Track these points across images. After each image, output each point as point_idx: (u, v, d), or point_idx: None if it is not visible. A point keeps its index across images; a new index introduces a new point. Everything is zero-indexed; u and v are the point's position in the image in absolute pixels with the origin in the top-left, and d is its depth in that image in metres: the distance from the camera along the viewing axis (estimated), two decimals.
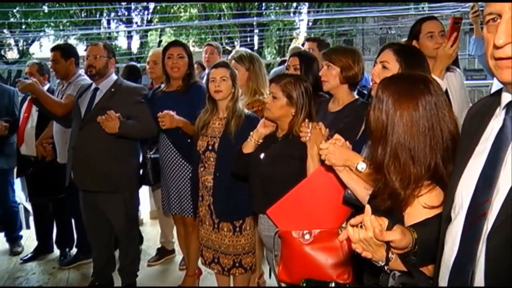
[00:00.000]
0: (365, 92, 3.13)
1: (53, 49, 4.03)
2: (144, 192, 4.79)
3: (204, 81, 3.57)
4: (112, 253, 3.76)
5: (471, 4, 3.60)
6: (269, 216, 2.36)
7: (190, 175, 3.30)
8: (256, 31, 22.45)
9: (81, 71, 3.98)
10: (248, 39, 22.05)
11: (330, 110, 2.63)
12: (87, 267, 4.14)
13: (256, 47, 21.60)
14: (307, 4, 22.42)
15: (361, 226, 1.31)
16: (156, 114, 3.23)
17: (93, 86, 3.48)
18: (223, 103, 3.03)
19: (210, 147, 3.02)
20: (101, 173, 3.35)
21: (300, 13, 23.37)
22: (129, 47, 23.43)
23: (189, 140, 3.25)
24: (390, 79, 1.64)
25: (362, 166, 1.84)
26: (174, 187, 3.44)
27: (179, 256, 4.28)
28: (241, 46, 19.31)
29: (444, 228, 1.25)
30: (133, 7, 22.61)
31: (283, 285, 2.45)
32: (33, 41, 22.73)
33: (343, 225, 2.12)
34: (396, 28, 21.43)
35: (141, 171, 3.66)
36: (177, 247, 4.27)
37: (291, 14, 22.71)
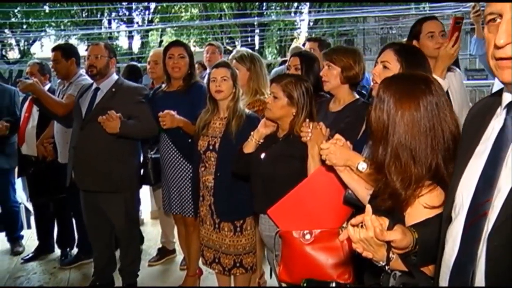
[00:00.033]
0: (364, 92, 3.13)
1: (54, 49, 4.03)
2: (145, 192, 4.80)
3: (205, 81, 3.57)
4: (113, 253, 3.77)
5: (472, 4, 3.60)
6: (270, 216, 2.36)
7: (191, 175, 3.30)
8: (257, 31, 22.45)
9: (82, 71, 3.98)
10: (249, 39, 22.03)
11: (331, 110, 2.63)
12: (88, 267, 4.15)
13: (257, 47, 21.59)
14: (308, 4, 22.42)
15: (361, 226, 1.31)
16: (157, 114, 3.23)
17: (94, 86, 3.48)
18: (224, 103, 3.03)
19: (211, 147, 3.02)
20: (102, 173, 3.36)
21: (301, 13, 23.36)
22: (130, 47, 23.44)
23: (189, 140, 3.26)
24: (391, 79, 1.63)
25: (362, 166, 1.84)
26: (175, 187, 3.44)
27: (180, 256, 4.29)
28: (242, 46, 19.30)
29: (444, 228, 1.24)
30: (134, 7, 22.61)
31: (283, 285, 2.45)
32: (34, 41, 22.75)
33: (344, 225, 2.12)
34: (397, 28, 21.42)
35: (142, 171, 3.66)
36: (178, 247, 4.27)
37: (292, 14, 22.71)
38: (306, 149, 2.30)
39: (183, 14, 23.20)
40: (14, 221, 4.75)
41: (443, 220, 1.27)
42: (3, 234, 4.83)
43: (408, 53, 2.11)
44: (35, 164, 4.20)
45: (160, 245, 4.46)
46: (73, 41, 20.59)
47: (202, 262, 3.29)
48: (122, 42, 23.87)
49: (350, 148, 1.96)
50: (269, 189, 2.51)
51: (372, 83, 2.23)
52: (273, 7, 21.87)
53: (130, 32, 22.86)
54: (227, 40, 21.22)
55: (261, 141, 2.66)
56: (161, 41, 22.64)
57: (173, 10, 22.64)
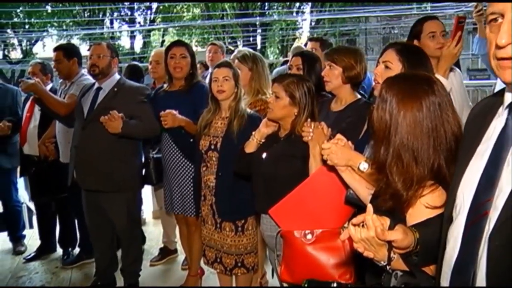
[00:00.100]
0: (362, 92, 3.13)
1: (55, 49, 4.03)
2: (147, 192, 4.80)
3: (207, 80, 3.57)
4: (114, 253, 3.77)
5: (474, 3, 3.59)
6: (271, 216, 2.36)
7: (193, 174, 3.31)
8: (259, 31, 22.43)
9: (84, 71, 3.99)
10: (251, 39, 22.03)
11: (332, 109, 2.63)
12: (89, 267, 4.15)
13: (259, 47, 21.59)
14: (310, 4, 22.41)
15: (362, 226, 1.31)
16: (159, 113, 3.24)
17: (96, 85, 3.49)
18: (225, 103, 3.03)
19: (212, 147, 3.02)
20: (103, 173, 3.36)
21: (303, 12, 23.36)
22: (132, 47, 23.45)
23: (191, 140, 3.26)
24: (394, 78, 1.63)
25: (364, 166, 1.84)
26: (176, 187, 3.45)
27: (181, 256, 4.29)
28: (244, 46, 19.29)
29: (445, 228, 1.24)
30: (136, 7, 22.60)
31: (285, 285, 2.45)
32: (36, 41, 22.76)
33: (345, 225, 2.12)
34: (399, 27, 21.38)
35: (143, 171, 3.66)
36: (179, 246, 4.28)
37: (294, 14, 22.69)
38: (308, 149, 2.30)
39: (185, 14, 23.20)
40: (16, 221, 4.76)
41: (444, 219, 1.27)
42: (5, 233, 4.83)
43: (410, 53, 2.10)
44: (37, 163, 4.21)
45: (162, 245, 4.46)
46: (75, 41, 20.62)
47: (203, 262, 3.30)
48: (124, 42, 23.92)
49: (352, 148, 1.96)
50: (270, 189, 2.51)
51: (373, 83, 2.23)
52: (275, 7, 21.86)
53: (132, 32, 22.86)
54: (229, 40, 21.21)
55: (263, 140, 2.66)
56: (163, 41, 22.66)
57: (175, 10, 22.65)
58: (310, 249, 2.21)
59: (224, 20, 22.14)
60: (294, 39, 22.85)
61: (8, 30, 21.11)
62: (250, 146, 2.68)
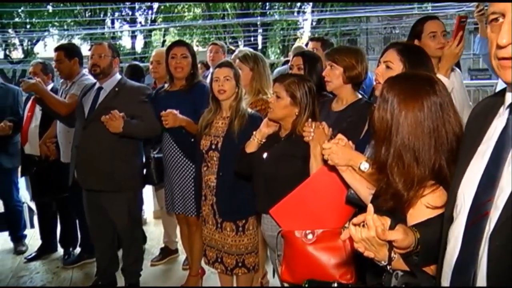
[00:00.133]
0: (362, 93, 3.12)
1: (56, 49, 4.04)
2: (148, 192, 4.80)
3: (207, 80, 3.57)
4: (115, 253, 3.77)
5: (475, 3, 3.58)
6: (272, 216, 2.36)
7: (194, 174, 3.31)
8: (260, 30, 22.45)
9: (85, 71, 3.99)
10: (252, 38, 22.05)
11: (333, 109, 2.62)
12: (90, 267, 4.15)
13: (260, 47, 21.60)
14: (311, 3, 22.41)
15: (363, 225, 1.31)
16: (160, 113, 3.24)
17: (97, 85, 3.49)
18: (226, 103, 3.03)
19: (213, 147, 3.02)
20: (104, 173, 3.36)
21: (304, 12, 23.37)
22: (133, 47, 23.48)
23: (192, 140, 3.26)
24: (395, 78, 1.63)
25: (365, 166, 1.83)
26: (177, 187, 3.45)
27: (182, 255, 4.29)
28: (245, 45, 19.31)
29: (446, 228, 1.24)
30: (137, 6, 22.63)
31: (286, 285, 2.45)
32: (37, 41, 22.81)
33: (346, 225, 2.12)
34: (400, 27, 21.37)
35: (144, 171, 3.66)
36: (180, 246, 4.28)
37: (295, 14, 22.70)
38: (309, 149, 2.30)
39: (186, 13, 23.23)
40: (17, 221, 4.76)
41: (444, 219, 1.27)
42: (7, 233, 4.84)
43: (411, 53, 2.10)
44: (38, 163, 4.21)
45: (163, 245, 4.46)
46: (76, 40, 20.64)
47: (204, 261, 3.30)
48: (125, 42, 23.96)
49: (352, 147, 1.95)
50: (271, 189, 2.51)
51: (375, 83, 2.23)
52: (276, 7, 21.87)
53: (133, 32, 22.89)
54: (230, 40, 21.21)
55: (263, 140, 2.66)
56: (164, 41, 22.67)
57: (176, 10, 22.67)
58: (311, 249, 2.21)
59: (225, 20, 22.16)
60: (295, 39, 22.86)
61: (10, 30, 21.17)
62: (251, 146, 2.68)
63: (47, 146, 4.11)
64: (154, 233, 4.96)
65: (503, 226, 1.03)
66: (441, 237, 1.27)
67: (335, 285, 2.10)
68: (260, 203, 2.65)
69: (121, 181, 3.39)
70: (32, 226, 5.46)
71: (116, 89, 3.41)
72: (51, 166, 4.11)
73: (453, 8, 14.87)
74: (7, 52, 23.14)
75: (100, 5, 21.04)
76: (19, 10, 20.14)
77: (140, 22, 23.40)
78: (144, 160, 3.68)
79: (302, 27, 24.17)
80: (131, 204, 3.50)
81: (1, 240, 4.94)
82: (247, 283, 3.14)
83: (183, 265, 4.15)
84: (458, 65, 2.97)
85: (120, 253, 3.77)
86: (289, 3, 21.65)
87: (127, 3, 22.16)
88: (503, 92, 1.18)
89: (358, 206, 2.03)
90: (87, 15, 22.02)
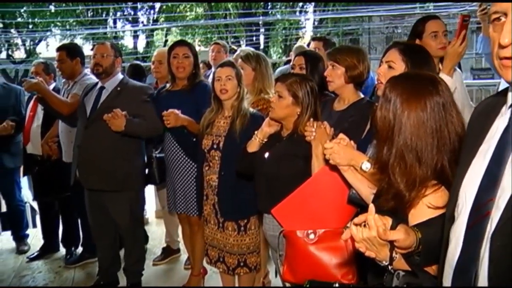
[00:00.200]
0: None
1: (58, 49, 4.05)
2: (150, 191, 4.80)
3: (209, 79, 3.56)
4: (117, 252, 3.77)
5: (478, 2, 3.58)
6: (274, 216, 2.35)
7: (196, 174, 3.30)
8: (262, 30, 22.42)
9: (87, 71, 3.99)
10: (254, 38, 22.04)
11: (335, 109, 2.62)
12: (92, 266, 4.15)
13: (262, 46, 21.59)
14: (313, 3, 22.39)
15: (364, 225, 1.31)
16: (161, 113, 3.24)
17: (99, 85, 3.49)
18: (228, 102, 3.03)
19: (215, 146, 3.02)
20: (106, 172, 3.36)
21: (306, 12, 23.34)
22: (135, 47, 23.47)
23: (194, 139, 3.25)
24: (397, 78, 1.62)
25: (366, 165, 1.83)
26: (180, 186, 3.44)
27: (184, 255, 4.29)
28: (247, 45, 19.32)
29: (447, 228, 1.24)
30: (139, 6, 22.63)
31: (287, 285, 2.44)
32: (40, 41, 22.81)
33: (348, 224, 2.11)
34: (402, 27, 21.36)
35: (146, 171, 3.66)
36: (182, 246, 4.27)
37: (297, 13, 22.68)
38: (310, 149, 2.30)
39: (188, 13, 23.22)
40: (20, 220, 4.77)
41: (446, 219, 1.27)
42: (9, 232, 4.86)
43: (413, 53, 2.09)
44: (40, 163, 4.22)
45: (165, 245, 4.46)
46: (78, 40, 20.64)
47: (206, 261, 3.30)
48: (127, 42, 23.95)
49: (354, 147, 1.95)
50: (273, 189, 2.51)
51: (376, 83, 2.22)
52: (278, 6, 21.82)
53: (135, 31, 22.88)
54: (232, 40, 21.21)
55: (265, 140, 2.66)
56: (166, 41, 22.66)
57: (178, 10, 22.66)
58: (312, 249, 2.21)
59: (227, 19, 22.16)
60: (297, 39, 22.83)
61: (12, 30, 21.18)
62: (253, 146, 2.68)
63: (49, 145, 4.12)
64: (156, 232, 4.97)
65: (504, 226, 1.02)
66: (442, 237, 1.27)
67: (336, 285, 2.10)
68: (261, 202, 2.64)
69: (123, 180, 3.40)
70: (34, 225, 5.46)
71: (118, 88, 3.41)
72: (53, 166, 4.12)
73: (455, 7, 14.84)
74: (10, 52, 23.16)
75: (102, 5, 21.05)
76: (22, 10, 20.16)
77: (142, 22, 23.40)
78: (146, 159, 3.68)
79: (304, 27, 24.17)
80: (133, 204, 3.51)
81: (4, 240, 4.96)
82: (249, 282, 3.14)
83: (185, 265, 4.15)
84: (458, 64, 2.97)
85: (122, 252, 3.77)
86: (291, 3, 21.63)
87: (129, 3, 22.16)
88: (505, 91, 1.18)
89: (360, 206, 2.03)
90: (89, 15, 22.03)
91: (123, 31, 23.42)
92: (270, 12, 21.19)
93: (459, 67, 2.91)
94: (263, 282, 3.51)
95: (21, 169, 4.63)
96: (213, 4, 21.30)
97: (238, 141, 2.87)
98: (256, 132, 2.68)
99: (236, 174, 2.87)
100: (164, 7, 22.35)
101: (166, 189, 3.68)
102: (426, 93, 1.51)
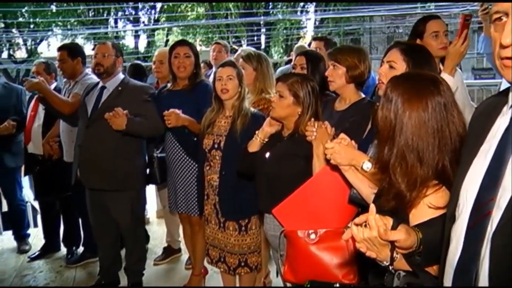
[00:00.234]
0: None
1: (59, 49, 4.05)
2: (151, 191, 4.81)
3: (210, 79, 3.56)
4: (118, 252, 3.77)
5: (479, 2, 3.57)
6: (275, 216, 2.35)
7: (197, 174, 3.30)
8: (263, 30, 22.45)
9: (88, 70, 4.00)
10: (255, 38, 22.05)
11: (336, 109, 2.62)
12: (93, 266, 4.16)
13: (263, 46, 21.61)
14: (314, 3, 22.39)
15: (365, 225, 1.31)
16: (162, 113, 3.24)
17: (100, 84, 3.49)
18: (229, 102, 3.03)
19: (216, 146, 3.02)
20: (107, 171, 3.36)
21: (307, 12, 23.35)
22: (136, 46, 23.50)
23: (195, 139, 3.26)
24: (399, 78, 1.62)
25: (367, 165, 1.83)
26: (181, 186, 3.44)
27: (185, 255, 4.29)
28: (248, 45, 19.33)
29: (448, 227, 1.24)
30: (140, 6, 22.66)
31: (288, 285, 2.44)
32: (41, 41, 22.85)
33: (349, 224, 2.11)
34: (403, 27, 21.34)
35: (147, 170, 3.66)
36: (183, 246, 4.27)
37: (298, 13, 22.70)
38: (311, 149, 2.30)
39: (189, 13, 23.24)
40: (21, 220, 4.78)
41: (447, 218, 1.27)
42: (10, 232, 4.87)
43: (414, 52, 2.09)
44: (41, 162, 4.22)
45: (166, 244, 4.46)
46: (79, 40, 20.69)
47: (207, 261, 3.30)
48: (128, 42, 23.97)
49: (355, 147, 1.95)
50: (274, 189, 2.51)
51: (378, 83, 2.22)
52: (279, 6, 21.84)
53: (136, 31, 22.92)
54: (233, 39, 21.21)
55: (266, 140, 2.66)
56: (167, 40, 22.69)
57: (179, 9, 22.68)
58: (313, 249, 2.20)
59: (228, 19, 22.17)
60: (298, 39, 22.84)
61: (13, 30, 21.22)
62: (254, 145, 2.68)
63: (50, 145, 4.12)
64: (157, 232, 4.97)
65: (505, 226, 1.02)
66: (443, 237, 1.27)
67: (337, 285, 2.09)
68: (262, 202, 2.64)
69: (124, 180, 3.40)
70: (35, 225, 5.47)
71: (119, 88, 3.41)
72: (54, 165, 4.12)
73: (457, 7, 14.83)
74: (11, 52, 23.21)
75: (103, 4, 21.09)
76: (23, 10, 20.19)
77: (143, 22, 23.42)
78: (147, 159, 3.68)
79: (305, 27, 24.17)
80: (134, 203, 3.51)
81: (5, 239, 4.97)
82: (249, 282, 3.14)
83: (186, 265, 4.16)
84: (458, 64, 2.97)
85: (123, 252, 3.77)
86: (292, 3, 21.63)
87: (130, 3, 22.18)
88: (506, 91, 1.18)
89: (361, 206, 2.03)
90: (90, 14, 22.05)
91: (124, 31, 23.46)
92: (271, 12, 21.21)
93: (459, 67, 2.91)
94: (264, 282, 3.51)
95: (22, 168, 4.64)
96: (214, 4, 21.31)
97: (239, 140, 2.87)
98: (257, 132, 2.68)
99: (237, 174, 2.87)
100: (165, 7, 22.37)
101: (167, 189, 3.69)
102: (428, 93, 1.51)
